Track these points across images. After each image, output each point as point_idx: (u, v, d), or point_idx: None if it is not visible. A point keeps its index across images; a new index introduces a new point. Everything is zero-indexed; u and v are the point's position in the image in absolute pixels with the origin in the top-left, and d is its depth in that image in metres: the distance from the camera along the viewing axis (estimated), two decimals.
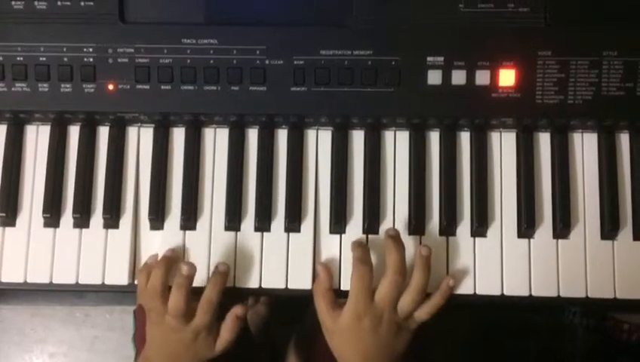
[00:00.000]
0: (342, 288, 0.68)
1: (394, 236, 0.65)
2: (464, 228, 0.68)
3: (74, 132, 0.70)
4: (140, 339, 0.85)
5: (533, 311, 1.04)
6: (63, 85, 0.67)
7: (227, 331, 0.66)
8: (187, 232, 0.69)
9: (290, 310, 0.98)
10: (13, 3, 0.67)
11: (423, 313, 0.65)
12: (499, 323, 1.05)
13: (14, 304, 1.29)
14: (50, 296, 1.27)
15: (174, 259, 0.67)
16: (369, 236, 0.69)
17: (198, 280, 0.66)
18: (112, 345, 1.28)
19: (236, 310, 0.66)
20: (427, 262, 0.65)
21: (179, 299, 0.63)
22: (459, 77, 0.66)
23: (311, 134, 0.70)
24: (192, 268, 0.64)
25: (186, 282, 0.64)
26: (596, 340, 1.01)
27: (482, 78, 0.66)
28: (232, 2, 0.68)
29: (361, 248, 0.66)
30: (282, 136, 0.70)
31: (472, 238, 0.68)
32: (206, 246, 0.69)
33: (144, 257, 0.68)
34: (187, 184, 0.69)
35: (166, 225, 0.69)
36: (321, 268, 0.66)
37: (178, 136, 0.70)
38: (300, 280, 0.68)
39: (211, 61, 0.67)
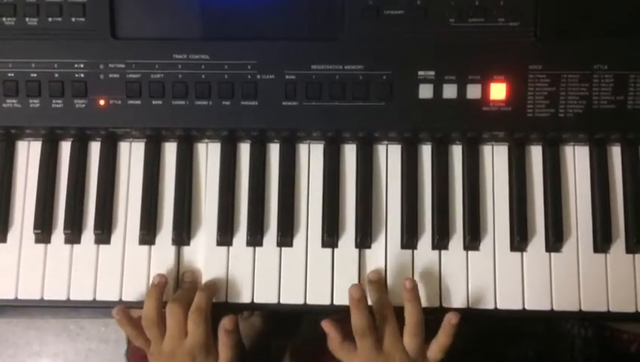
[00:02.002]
0: (335, 303, 0.67)
1: (374, 281, 0.66)
2: (457, 241, 0.68)
3: (65, 147, 0.70)
4: (133, 356, 0.84)
5: (529, 320, 1.04)
6: (54, 101, 0.67)
7: (222, 348, 0.66)
8: (179, 247, 0.69)
9: (285, 322, 0.97)
10: (3, 19, 0.67)
11: (433, 354, 0.65)
12: (496, 332, 1.04)
13: (8, 317, 1.28)
14: (44, 309, 1.25)
15: (163, 284, 0.66)
16: (361, 250, 0.68)
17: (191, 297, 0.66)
18: (107, 358, 1.27)
19: (224, 324, 0.65)
20: (414, 294, 0.64)
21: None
22: (450, 91, 0.66)
23: (303, 148, 0.70)
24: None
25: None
26: (594, 350, 1.01)
27: (473, 91, 0.66)
28: (223, 17, 0.68)
29: (356, 303, 0.63)
30: (274, 150, 0.70)
31: (464, 252, 0.68)
32: (199, 262, 0.69)
33: (135, 273, 0.68)
34: (179, 199, 0.69)
35: (157, 240, 0.69)
36: (327, 326, 0.65)
37: (170, 151, 0.70)
38: (293, 295, 0.68)
39: (203, 76, 0.67)
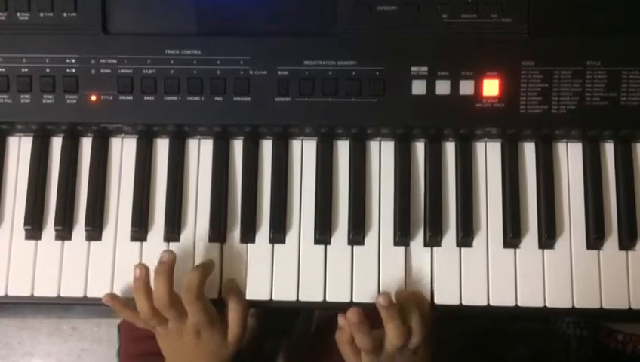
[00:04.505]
0: (327, 300, 0.67)
1: (385, 306, 0.62)
2: (450, 238, 0.68)
3: (56, 143, 0.70)
4: (124, 355, 0.84)
5: (525, 321, 1.04)
6: (45, 96, 0.67)
7: (231, 312, 0.65)
8: (171, 244, 0.68)
9: (279, 322, 0.97)
10: None
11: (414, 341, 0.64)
12: (492, 332, 1.04)
13: (0, 317, 1.27)
14: (36, 309, 1.25)
15: (172, 261, 0.64)
16: (354, 247, 0.68)
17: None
18: (100, 358, 1.27)
19: (229, 283, 0.65)
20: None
21: (160, 287, 0.62)
22: (443, 87, 0.66)
23: (296, 145, 0.70)
24: (171, 255, 0.64)
25: (165, 268, 0.63)
26: (590, 351, 1.00)
27: (466, 88, 0.66)
28: (215, 13, 0.68)
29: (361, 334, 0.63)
30: (267, 146, 0.70)
31: (457, 248, 0.68)
32: (190, 258, 0.68)
33: (126, 269, 0.67)
34: (171, 195, 0.69)
35: (149, 236, 0.68)
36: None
37: (162, 147, 0.70)
38: (285, 291, 0.67)
39: (195, 72, 0.67)
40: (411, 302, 0.64)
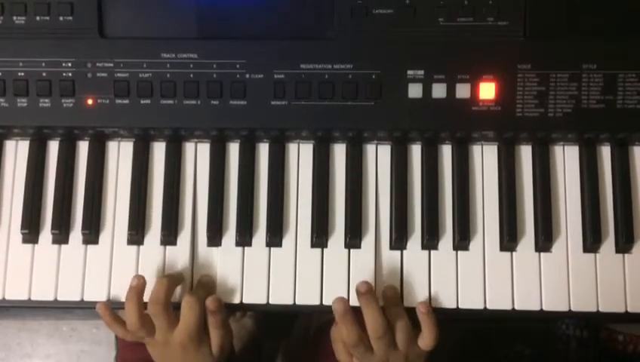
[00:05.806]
0: (324, 303, 0.67)
1: (363, 292, 0.63)
2: (446, 241, 0.68)
3: (53, 147, 0.70)
4: (121, 360, 0.84)
5: (524, 322, 1.04)
6: (41, 100, 0.67)
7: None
8: (167, 247, 0.68)
9: (277, 323, 0.97)
10: None
11: (423, 346, 0.65)
12: (492, 332, 1.04)
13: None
14: (36, 311, 1.25)
15: (142, 286, 0.65)
16: (351, 251, 0.68)
17: (178, 297, 0.66)
18: (99, 360, 1.27)
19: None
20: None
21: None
22: (439, 90, 0.66)
23: (292, 148, 0.70)
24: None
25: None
26: (590, 351, 1.00)
27: (463, 91, 0.66)
28: (211, 16, 0.68)
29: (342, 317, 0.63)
30: (263, 150, 0.70)
31: (454, 252, 0.68)
32: (187, 262, 0.68)
33: (123, 273, 0.67)
34: (168, 199, 0.69)
35: (146, 240, 0.69)
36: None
37: (158, 150, 0.70)
38: (282, 295, 0.67)
39: (191, 75, 0.67)
40: (394, 298, 0.65)
